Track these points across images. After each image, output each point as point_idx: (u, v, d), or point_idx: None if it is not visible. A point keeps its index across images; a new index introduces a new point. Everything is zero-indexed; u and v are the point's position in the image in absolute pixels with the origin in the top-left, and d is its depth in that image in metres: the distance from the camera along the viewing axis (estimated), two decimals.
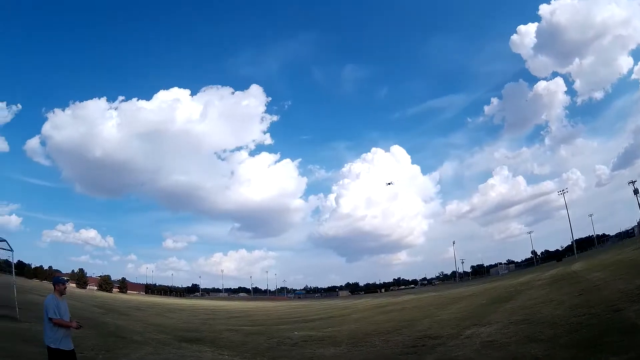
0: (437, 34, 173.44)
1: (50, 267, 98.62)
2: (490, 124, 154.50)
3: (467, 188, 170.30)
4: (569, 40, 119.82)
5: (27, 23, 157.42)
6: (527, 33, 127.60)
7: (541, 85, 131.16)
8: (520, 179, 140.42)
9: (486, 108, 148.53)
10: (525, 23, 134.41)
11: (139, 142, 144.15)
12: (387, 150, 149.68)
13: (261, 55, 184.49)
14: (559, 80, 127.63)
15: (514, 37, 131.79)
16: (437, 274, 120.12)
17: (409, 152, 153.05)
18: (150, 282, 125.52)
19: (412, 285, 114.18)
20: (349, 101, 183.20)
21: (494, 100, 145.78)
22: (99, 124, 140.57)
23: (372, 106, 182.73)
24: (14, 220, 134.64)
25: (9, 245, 19.19)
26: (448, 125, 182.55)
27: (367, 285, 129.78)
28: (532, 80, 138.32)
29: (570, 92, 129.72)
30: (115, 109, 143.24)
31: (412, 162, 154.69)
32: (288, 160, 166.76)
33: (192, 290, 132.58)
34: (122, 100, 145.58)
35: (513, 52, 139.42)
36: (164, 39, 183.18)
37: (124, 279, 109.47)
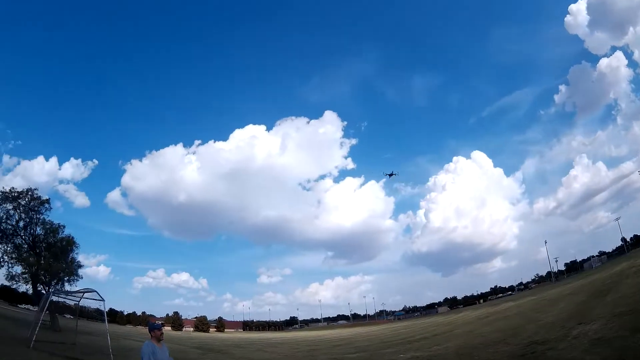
0: (494, 30, 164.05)
1: (143, 313, 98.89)
2: (562, 113, 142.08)
3: (551, 183, 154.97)
4: (620, 9, 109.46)
5: (92, 81, 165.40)
6: (579, 11, 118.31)
7: (603, 62, 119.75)
8: (600, 164, 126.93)
9: (556, 97, 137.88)
10: (574, 1, 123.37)
11: (222, 182, 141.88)
12: (468, 157, 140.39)
13: (329, 79, 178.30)
14: (619, 54, 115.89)
15: (568, 18, 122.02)
16: (533, 277, 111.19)
17: (489, 155, 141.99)
18: (247, 318, 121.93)
19: (510, 292, 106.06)
20: (423, 113, 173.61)
21: (562, 88, 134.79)
22: (179, 170, 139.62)
23: (446, 114, 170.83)
24: (103, 270, 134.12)
25: (99, 295, 20.15)
26: (523, 122, 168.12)
27: (465, 297, 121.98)
28: (594, 59, 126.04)
29: (632, 64, 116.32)
30: (194, 153, 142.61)
31: (495, 166, 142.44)
32: (373, 181, 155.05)
33: (291, 323, 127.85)
34: (199, 144, 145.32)
35: (570, 34, 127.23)
36: (231, 78, 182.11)
37: (220, 318, 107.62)
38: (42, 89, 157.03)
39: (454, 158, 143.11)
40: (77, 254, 34.83)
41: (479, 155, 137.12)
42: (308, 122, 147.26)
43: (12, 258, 31.19)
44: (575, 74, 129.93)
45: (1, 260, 31.22)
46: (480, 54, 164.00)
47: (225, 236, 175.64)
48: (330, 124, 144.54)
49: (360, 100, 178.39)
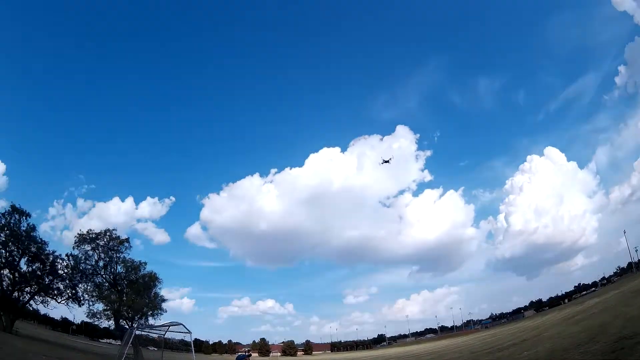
0: (547, 21, 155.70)
1: (229, 341, 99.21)
2: (625, 95, 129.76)
3: (624, 170, 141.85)
4: None
5: (161, 121, 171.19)
6: None
7: None
8: None
9: (617, 79, 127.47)
10: None
11: (302, 208, 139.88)
12: (541, 154, 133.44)
13: (397, 94, 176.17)
14: None
15: None
16: (615, 270, 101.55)
17: (562, 150, 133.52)
18: (335, 339, 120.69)
19: (593, 288, 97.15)
20: (492, 115, 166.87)
21: (621, 69, 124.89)
22: (258, 200, 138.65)
23: (515, 114, 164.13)
24: (187, 302, 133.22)
25: (186, 328, 20.60)
26: (589, 110, 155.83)
27: (550, 299, 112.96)
28: None
29: None
30: (271, 182, 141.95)
31: (568, 160, 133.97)
32: (451, 191, 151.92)
33: (379, 341, 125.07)
34: (276, 173, 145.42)
35: (619, 12, 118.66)
36: (301, 103, 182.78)
37: (308, 341, 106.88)
38: (111, 133, 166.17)
39: (528, 157, 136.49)
40: (160, 288, 35.46)
41: (552, 151, 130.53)
42: (381, 139, 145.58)
43: (92, 296, 31.81)
44: (631, 52, 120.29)
45: (81, 298, 31.77)
46: (538, 47, 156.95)
47: (309, 261, 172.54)
48: (403, 138, 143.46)
49: (430, 110, 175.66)
